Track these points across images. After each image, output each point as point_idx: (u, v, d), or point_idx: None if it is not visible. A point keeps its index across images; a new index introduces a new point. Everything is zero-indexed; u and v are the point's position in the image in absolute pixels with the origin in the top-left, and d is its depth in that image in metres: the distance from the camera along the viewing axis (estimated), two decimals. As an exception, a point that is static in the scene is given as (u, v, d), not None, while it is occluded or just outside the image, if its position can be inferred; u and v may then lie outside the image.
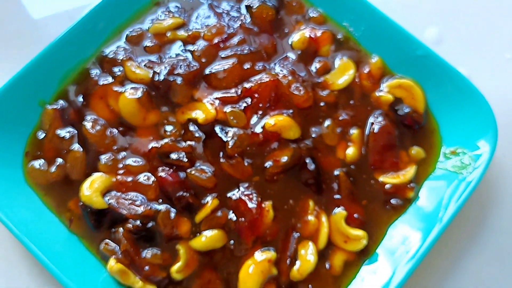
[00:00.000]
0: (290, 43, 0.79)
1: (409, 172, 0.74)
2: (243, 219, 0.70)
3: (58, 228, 0.71)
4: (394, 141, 0.75)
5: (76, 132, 0.74)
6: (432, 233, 0.69)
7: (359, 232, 0.70)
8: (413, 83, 0.77)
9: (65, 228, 0.71)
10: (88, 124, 0.74)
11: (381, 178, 0.74)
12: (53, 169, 0.73)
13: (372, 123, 0.75)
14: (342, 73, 0.77)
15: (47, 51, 0.74)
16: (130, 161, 0.73)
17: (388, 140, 0.75)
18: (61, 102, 0.75)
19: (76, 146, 0.73)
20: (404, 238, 0.71)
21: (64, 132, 0.74)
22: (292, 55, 0.78)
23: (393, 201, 0.73)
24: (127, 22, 0.79)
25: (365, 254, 0.71)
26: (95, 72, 0.77)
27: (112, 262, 0.68)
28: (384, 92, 0.77)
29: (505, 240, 0.77)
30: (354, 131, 0.75)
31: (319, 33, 0.79)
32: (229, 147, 0.72)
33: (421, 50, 0.76)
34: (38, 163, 0.73)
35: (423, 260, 0.69)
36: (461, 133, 0.75)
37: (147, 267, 0.68)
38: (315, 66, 0.78)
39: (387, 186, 0.73)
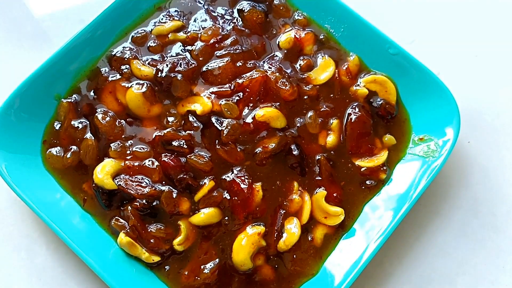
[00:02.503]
0: (277, 43, 0.88)
1: (382, 156, 0.83)
2: (236, 198, 0.79)
3: (73, 208, 0.80)
4: (369, 129, 0.84)
5: (88, 122, 0.83)
6: (402, 210, 0.78)
7: (337, 209, 0.80)
8: (387, 78, 0.86)
9: (79, 207, 0.80)
10: (99, 116, 0.83)
11: (357, 162, 0.83)
12: (68, 155, 0.81)
13: (350, 114, 0.84)
14: (323, 70, 0.86)
15: (62, 50, 0.82)
16: (136, 148, 0.82)
17: (363, 128, 0.84)
18: (74, 96, 0.84)
19: (88, 135, 0.82)
20: (377, 214, 0.80)
21: (78, 123, 0.83)
22: (279, 54, 0.88)
23: (368, 182, 0.83)
24: (132, 25, 0.87)
25: (343, 228, 0.81)
26: (104, 69, 0.85)
27: (121, 236, 0.77)
28: (361, 86, 0.86)
29: (466, 215, 0.86)
30: (333, 121, 0.84)
31: (303, 34, 0.88)
32: (224, 135, 0.80)
33: (394, 49, 0.85)
34: (55, 150, 0.82)
35: (393, 233, 0.78)
36: (428, 122, 0.84)
37: (152, 240, 0.77)
38: (300, 63, 0.87)
39: (362, 169, 0.83)
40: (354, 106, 0.85)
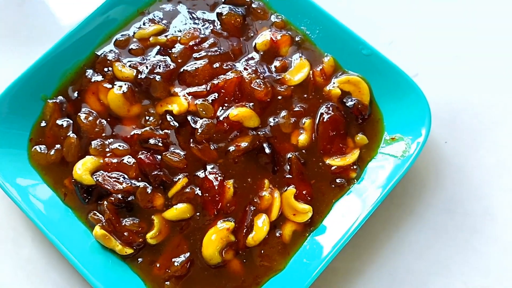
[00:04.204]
0: (254, 45, 0.91)
1: (353, 155, 0.84)
2: (207, 194, 0.82)
3: (55, 202, 0.84)
4: (341, 129, 0.85)
5: (72, 122, 0.87)
6: (369, 208, 0.79)
7: (305, 206, 0.81)
8: (360, 78, 0.87)
9: (60, 201, 0.84)
10: (82, 115, 0.86)
11: (328, 161, 0.84)
12: (52, 152, 0.86)
13: (322, 114, 0.86)
14: (298, 71, 0.88)
15: (48, 54, 0.86)
16: (116, 146, 0.85)
17: (335, 128, 0.85)
18: (60, 97, 0.89)
19: (71, 134, 0.86)
20: (346, 212, 0.81)
21: (62, 122, 0.87)
22: (255, 55, 0.90)
23: (338, 180, 0.84)
24: (116, 29, 0.91)
25: (311, 225, 0.82)
26: (88, 71, 0.89)
27: (97, 228, 0.80)
28: (334, 86, 0.87)
29: (441, 215, 0.86)
30: (306, 121, 0.86)
31: (279, 36, 0.90)
32: (198, 134, 0.84)
33: (367, 50, 0.86)
34: (39, 148, 0.86)
35: (364, 231, 0.80)
36: (401, 122, 0.85)
37: (126, 233, 0.80)
38: (275, 64, 0.89)
39: (333, 167, 0.84)
40: (326, 106, 0.86)
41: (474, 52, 0.94)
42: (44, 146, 0.87)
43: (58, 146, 0.86)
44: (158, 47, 0.90)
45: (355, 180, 0.84)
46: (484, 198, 0.86)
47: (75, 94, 0.89)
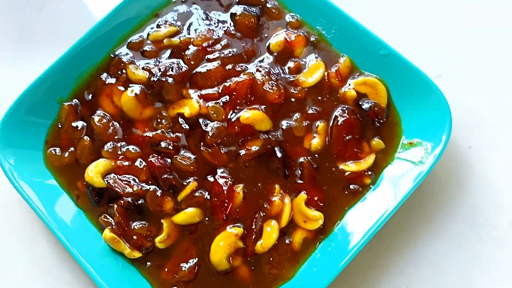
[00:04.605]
0: (268, 45, 0.89)
1: (368, 161, 0.81)
2: (216, 199, 0.80)
3: (69, 204, 0.85)
4: (356, 133, 0.82)
5: (86, 124, 0.88)
6: (383, 217, 0.76)
7: (316, 213, 0.78)
8: (378, 80, 0.83)
9: (73, 203, 0.85)
10: (95, 118, 0.87)
11: (342, 166, 0.81)
12: (66, 154, 0.86)
13: (337, 117, 0.83)
14: (313, 72, 0.86)
15: (64, 57, 0.87)
16: (128, 149, 0.85)
17: (350, 132, 0.82)
18: (75, 100, 0.89)
19: (84, 136, 0.87)
20: (360, 220, 0.78)
21: (77, 125, 0.88)
22: (269, 57, 0.88)
23: (352, 186, 0.81)
24: (131, 31, 0.91)
25: (323, 233, 0.79)
26: (103, 74, 0.90)
27: (106, 231, 0.80)
28: (350, 88, 0.84)
29: (460, 224, 0.82)
30: (320, 124, 0.83)
31: (293, 37, 0.87)
32: (208, 137, 0.82)
33: (384, 50, 0.83)
34: (54, 150, 0.87)
35: (379, 240, 0.76)
36: (420, 126, 0.81)
37: (135, 237, 0.80)
38: (289, 66, 0.87)
39: (346, 173, 0.81)
40: (341, 109, 0.83)
41: (499, 53, 0.89)
42: (59, 148, 0.88)
43: (72, 148, 0.87)
44: (173, 49, 0.89)
45: (370, 186, 0.81)
46: (509, 207, 0.81)
47: (90, 97, 0.90)
